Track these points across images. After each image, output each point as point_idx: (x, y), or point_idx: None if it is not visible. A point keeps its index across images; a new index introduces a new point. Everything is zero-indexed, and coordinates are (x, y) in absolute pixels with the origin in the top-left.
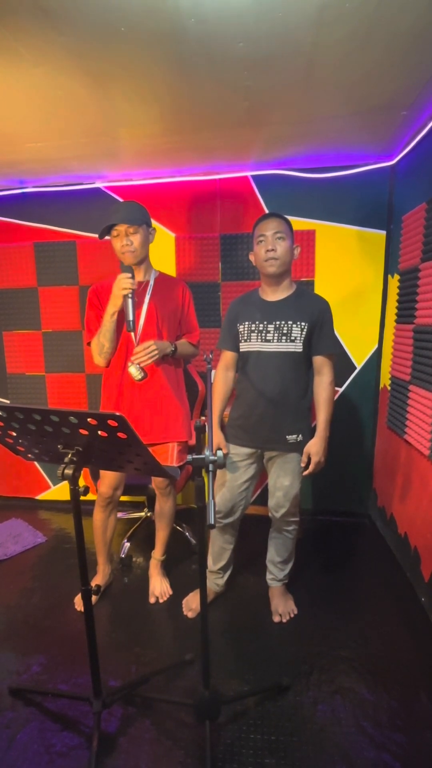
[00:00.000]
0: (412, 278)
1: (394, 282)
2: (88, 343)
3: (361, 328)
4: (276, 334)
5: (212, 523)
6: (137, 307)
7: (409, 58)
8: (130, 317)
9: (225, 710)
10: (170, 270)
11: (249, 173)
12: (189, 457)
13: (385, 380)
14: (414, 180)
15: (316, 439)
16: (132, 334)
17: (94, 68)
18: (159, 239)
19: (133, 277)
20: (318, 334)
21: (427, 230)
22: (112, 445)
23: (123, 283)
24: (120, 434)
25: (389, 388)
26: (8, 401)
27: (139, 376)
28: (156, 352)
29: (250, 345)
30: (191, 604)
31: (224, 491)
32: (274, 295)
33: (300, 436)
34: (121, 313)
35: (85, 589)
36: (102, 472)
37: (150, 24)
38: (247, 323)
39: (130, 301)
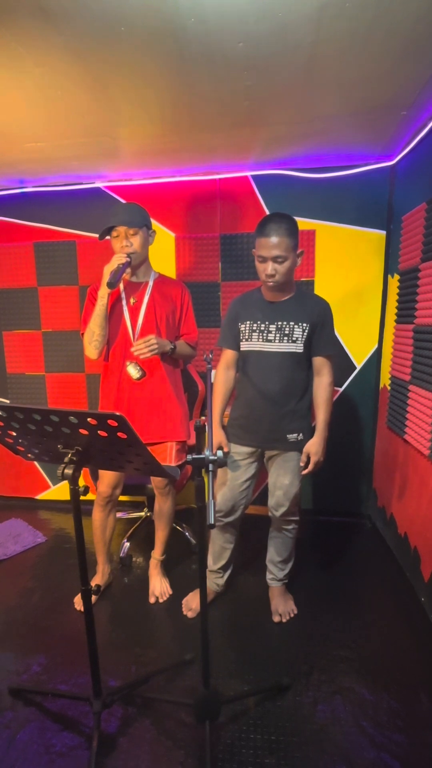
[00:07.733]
0: (412, 278)
1: (394, 282)
2: (83, 335)
3: (361, 328)
4: (278, 335)
5: (212, 522)
6: (135, 310)
7: (409, 57)
8: (113, 279)
9: (225, 710)
10: (170, 270)
11: (249, 173)
12: (188, 457)
13: (385, 380)
14: (414, 180)
15: (316, 438)
16: (129, 332)
17: (94, 68)
18: (159, 239)
19: (129, 264)
20: (318, 334)
21: (427, 230)
22: (112, 445)
23: (117, 258)
24: (120, 434)
25: (389, 388)
26: (8, 401)
27: (137, 375)
28: (156, 345)
29: (252, 344)
30: (191, 604)
31: (225, 490)
32: (275, 296)
33: (300, 435)
34: (113, 304)
35: (85, 589)
36: (101, 472)
37: (150, 24)
38: (248, 322)
39: (121, 267)
